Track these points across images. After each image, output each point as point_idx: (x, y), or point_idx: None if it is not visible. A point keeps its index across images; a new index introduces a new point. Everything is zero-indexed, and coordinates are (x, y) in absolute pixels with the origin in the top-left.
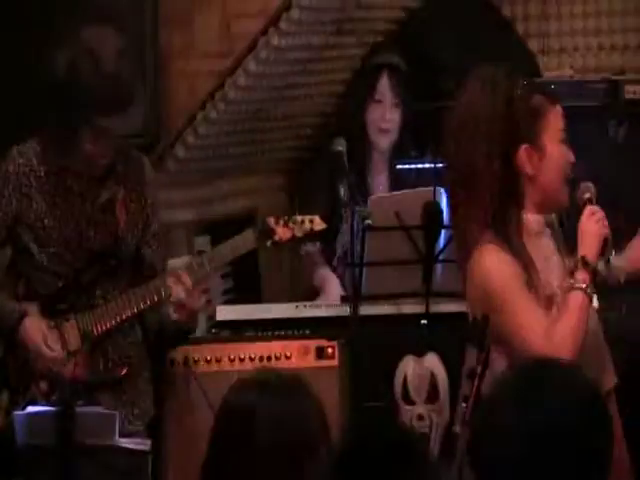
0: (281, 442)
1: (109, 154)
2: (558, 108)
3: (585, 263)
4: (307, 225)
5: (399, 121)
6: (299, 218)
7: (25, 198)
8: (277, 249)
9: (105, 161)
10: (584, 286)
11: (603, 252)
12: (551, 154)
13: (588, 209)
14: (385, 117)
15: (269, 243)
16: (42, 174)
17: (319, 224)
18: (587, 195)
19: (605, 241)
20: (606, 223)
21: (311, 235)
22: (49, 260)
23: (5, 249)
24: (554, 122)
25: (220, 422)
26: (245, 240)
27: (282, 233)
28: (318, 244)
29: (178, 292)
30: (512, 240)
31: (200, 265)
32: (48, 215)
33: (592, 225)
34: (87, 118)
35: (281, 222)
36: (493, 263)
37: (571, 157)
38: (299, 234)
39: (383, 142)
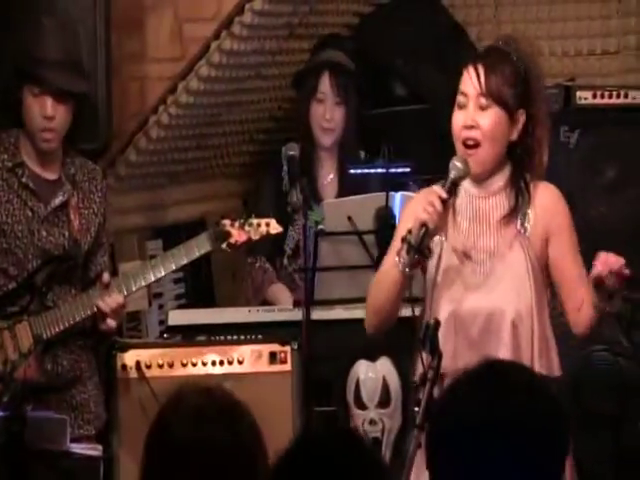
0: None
1: (55, 130)
2: (469, 69)
3: (403, 240)
4: (263, 228)
5: (342, 120)
6: (255, 221)
7: None
8: (232, 252)
9: (50, 137)
10: (399, 263)
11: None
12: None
13: (422, 192)
14: (326, 116)
15: (225, 245)
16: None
17: (275, 228)
18: (453, 174)
19: (423, 224)
20: (430, 209)
21: (267, 238)
22: (3, 257)
23: None
24: (461, 83)
25: (154, 432)
26: (200, 242)
27: (238, 236)
28: (264, 258)
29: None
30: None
31: (154, 267)
32: (2, 211)
33: (418, 207)
34: (26, 73)
35: (237, 224)
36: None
37: (459, 121)
38: (255, 237)
39: (326, 141)
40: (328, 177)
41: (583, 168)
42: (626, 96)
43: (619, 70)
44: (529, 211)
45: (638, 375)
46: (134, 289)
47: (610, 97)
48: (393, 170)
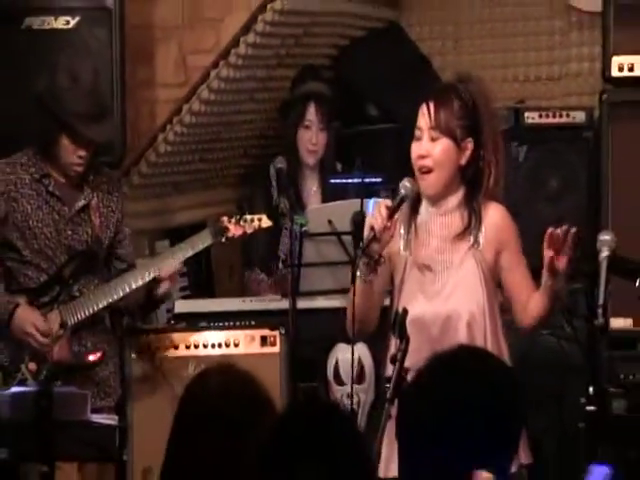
0: (232, 416)
1: (84, 164)
2: (423, 107)
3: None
4: (256, 223)
5: (324, 142)
6: (249, 217)
7: (12, 201)
8: (230, 244)
9: (80, 169)
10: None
11: (370, 239)
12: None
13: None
14: (312, 140)
15: (223, 239)
16: (27, 181)
17: (266, 222)
18: (402, 192)
19: (372, 229)
20: (377, 216)
21: (259, 231)
22: (33, 255)
23: None
24: (418, 119)
25: (183, 401)
26: (202, 237)
27: (234, 230)
28: (258, 270)
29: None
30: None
31: (164, 259)
32: (32, 216)
33: (369, 217)
34: (65, 126)
35: (233, 220)
36: None
37: (415, 152)
38: (249, 230)
39: (311, 160)
40: (312, 189)
41: (530, 178)
42: (567, 116)
43: (561, 94)
44: (481, 228)
45: (578, 356)
46: (148, 279)
47: (554, 117)
48: (367, 180)
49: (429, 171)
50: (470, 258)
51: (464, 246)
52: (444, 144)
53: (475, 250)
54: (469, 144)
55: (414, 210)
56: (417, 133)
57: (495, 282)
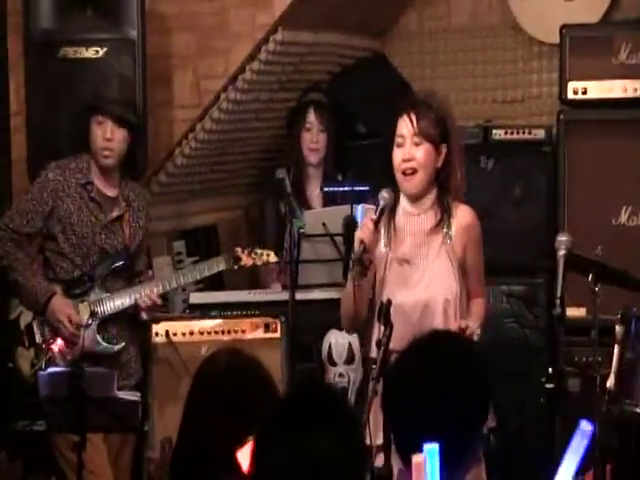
0: (238, 392)
1: (112, 150)
2: (403, 117)
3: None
4: (265, 257)
5: (325, 142)
6: (259, 251)
7: (59, 199)
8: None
9: (109, 159)
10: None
11: (362, 251)
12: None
13: (364, 208)
14: (313, 140)
15: (236, 267)
16: (73, 184)
17: (273, 258)
18: (381, 203)
19: (361, 241)
20: (366, 230)
21: (266, 264)
22: (70, 248)
23: (38, 238)
24: (397, 129)
25: (196, 381)
26: (218, 262)
27: (246, 260)
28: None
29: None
30: (391, 211)
31: (184, 275)
32: (74, 216)
33: (358, 232)
34: (93, 108)
35: (246, 252)
36: None
37: (399, 157)
38: (258, 262)
39: (313, 159)
40: (316, 191)
41: (497, 187)
42: (529, 133)
43: (524, 114)
44: (452, 225)
45: (539, 341)
46: (169, 289)
47: (518, 134)
48: (356, 188)
49: (414, 172)
50: (443, 252)
51: (437, 241)
52: (426, 148)
53: (447, 245)
54: (444, 149)
55: (392, 213)
56: (399, 140)
57: (464, 272)
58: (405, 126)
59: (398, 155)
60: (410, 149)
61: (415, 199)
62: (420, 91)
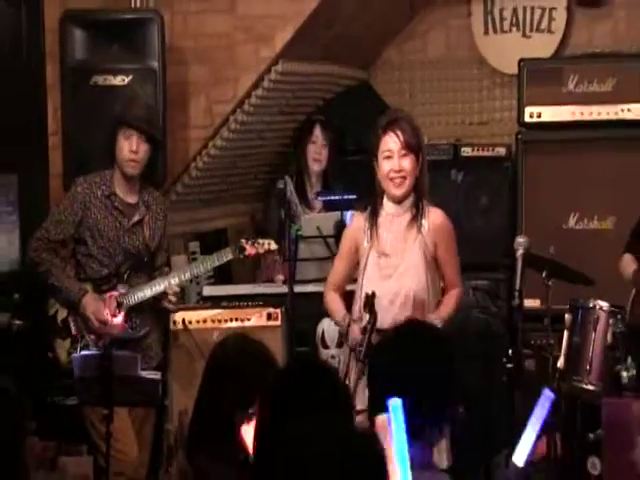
0: (245, 370)
1: (137, 162)
2: (389, 134)
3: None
4: (266, 246)
5: (327, 155)
6: (261, 241)
7: (87, 209)
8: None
9: (134, 169)
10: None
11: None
12: (379, 165)
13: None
14: (317, 151)
15: (242, 256)
16: (98, 196)
17: (274, 245)
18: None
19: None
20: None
21: (269, 252)
22: (98, 251)
23: (70, 244)
24: (383, 145)
25: (210, 362)
26: (226, 253)
27: (250, 250)
28: (279, 257)
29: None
30: (374, 214)
31: (197, 266)
32: (101, 222)
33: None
34: (120, 122)
35: (250, 242)
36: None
37: (387, 168)
38: (261, 251)
39: (316, 167)
40: (312, 200)
41: (465, 197)
42: (493, 150)
43: (488, 134)
44: (425, 225)
45: (501, 327)
46: (184, 279)
47: (483, 151)
48: (345, 197)
49: (403, 180)
50: (416, 248)
51: (412, 238)
52: (411, 158)
53: (420, 242)
54: (420, 158)
55: (375, 215)
56: (387, 154)
57: (436, 265)
58: (392, 141)
59: (387, 166)
60: (399, 161)
61: (398, 202)
62: (391, 110)
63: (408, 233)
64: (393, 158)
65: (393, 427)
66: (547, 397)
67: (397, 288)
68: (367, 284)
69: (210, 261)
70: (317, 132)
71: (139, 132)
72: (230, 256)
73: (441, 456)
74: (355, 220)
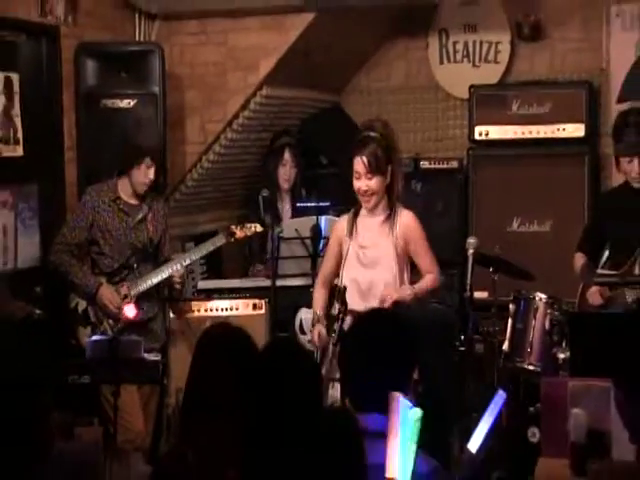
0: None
1: (149, 184)
2: (357, 158)
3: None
4: (253, 228)
5: (295, 175)
6: (248, 225)
7: (97, 214)
8: (235, 245)
9: (146, 187)
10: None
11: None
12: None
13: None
14: (287, 173)
15: (232, 239)
16: (106, 201)
17: (259, 228)
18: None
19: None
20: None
21: (256, 234)
22: (109, 249)
23: (84, 245)
24: (354, 164)
25: (198, 346)
26: (219, 238)
27: (240, 233)
28: (258, 264)
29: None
30: (355, 214)
31: (194, 252)
32: (109, 223)
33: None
34: (148, 152)
35: (238, 227)
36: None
37: (357, 186)
38: (249, 233)
39: (285, 186)
40: (286, 208)
41: (424, 204)
42: (447, 163)
43: (443, 149)
44: (396, 224)
45: (454, 316)
46: (185, 264)
47: (439, 164)
48: (320, 204)
49: (370, 196)
50: (389, 243)
51: (385, 234)
52: (377, 179)
53: (392, 237)
54: (389, 169)
55: (356, 214)
56: (356, 175)
57: (407, 259)
58: (359, 166)
59: (356, 185)
60: (365, 182)
61: (372, 210)
62: (365, 125)
63: (382, 230)
64: (361, 179)
65: (400, 421)
66: (500, 396)
67: (370, 276)
68: (347, 272)
69: (205, 248)
70: (287, 156)
71: (157, 164)
72: (223, 240)
73: None
74: (339, 222)
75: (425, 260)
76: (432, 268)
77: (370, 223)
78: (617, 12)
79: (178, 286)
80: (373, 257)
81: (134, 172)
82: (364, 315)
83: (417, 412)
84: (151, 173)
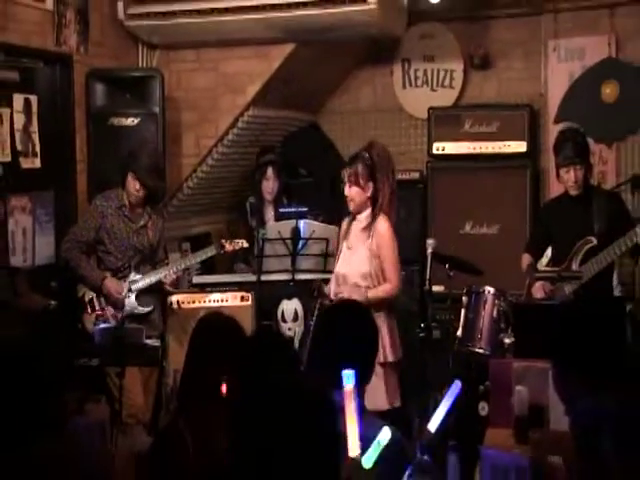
0: (221, 338)
1: (139, 197)
2: (344, 170)
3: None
4: (240, 244)
5: (277, 188)
6: (237, 240)
7: (104, 218)
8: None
9: (136, 199)
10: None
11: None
12: None
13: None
14: (269, 186)
15: (222, 252)
16: (113, 207)
17: (245, 244)
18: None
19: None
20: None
21: (242, 249)
22: (113, 248)
23: (92, 243)
24: (342, 175)
25: (194, 333)
26: (211, 249)
27: (228, 247)
28: (241, 263)
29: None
30: (352, 219)
31: (188, 259)
32: (115, 227)
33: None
34: (131, 170)
35: (228, 242)
36: None
37: (345, 193)
38: (237, 247)
39: (269, 198)
40: (270, 214)
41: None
42: (409, 174)
43: (406, 162)
44: (373, 231)
45: (415, 306)
46: (180, 268)
47: (402, 175)
48: (299, 210)
49: (351, 202)
50: (366, 245)
51: (364, 238)
52: (355, 190)
53: (368, 241)
54: (370, 185)
55: (351, 219)
56: (344, 182)
57: (379, 261)
58: (345, 175)
59: (345, 191)
60: (347, 190)
61: (357, 213)
62: (372, 142)
63: (363, 234)
64: (346, 186)
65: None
66: (456, 386)
67: (349, 271)
68: (338, 267)
69: (198, 256)
70: (269, 173)
71: (141, 181)
72: (214, 251)
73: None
74: (342, 225)
75: (388, 268)
76: (391, 277)
77: (356, 228)
78: (554, 46)
79: (169, 288)
80: (352, 257)
81: (126, 184)
82: (334, 306)
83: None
84: (137, 185)
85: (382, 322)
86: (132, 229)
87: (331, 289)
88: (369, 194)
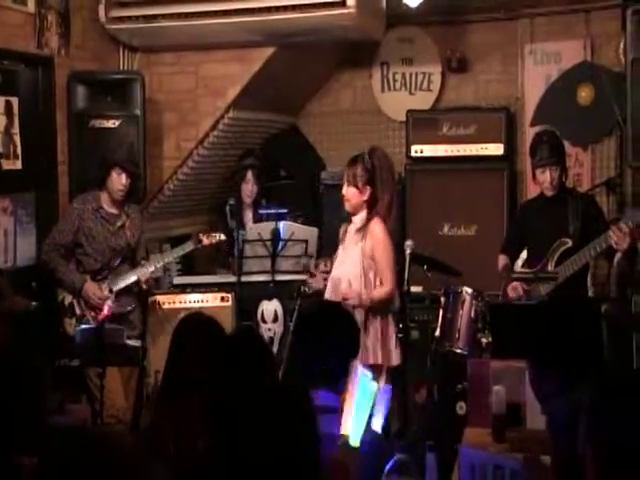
0: (201, 338)
1: (125, 191)
2: (344, 170)
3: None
4: (218, 237)
5: (257, 191)
6: (213, 234)
7: (82, 220)
8: (203, 249)
9: (122, 194)
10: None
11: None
12: None
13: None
14: (249, 189)
15: (200, 246)
16: (90, 210)
17: (223, 237)
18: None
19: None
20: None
21: (220, 242)
22: (92, 250)
23: (71, 246)
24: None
25: (175, 333)
26: (189, 244)
27: (206, 241)
28: (224, 270)
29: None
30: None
31: (167, 255)
32: (93, 230)
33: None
34: (115, 163)
35: (205, 235)
36: None
37: (343, 193)
38: (214, 241)
39: (248, 200)
40: (249, 215)
41: None
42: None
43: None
44: (367, 233)
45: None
46: (158, 266)
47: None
48: (279, 211)
49: (347, 202)
50: (359, 248)
51: (357, 241)
52: (351, 190)
53: (362, 244)
54: (367, 189)
55: (350, 221)
56: (344, 182)
57: (371, 263)
58: (344, 175)
59: (343, 191)
60: (345, 189)
61: (353, 215)
62: (374, 147)
63: (357, 236)
64: (344, 186)
65: (358, 388)
66: (387, 389)
67: (343, 272)
68: (333, 270)
69: (176, 252)
70: (249, 176)
71: (127, 172)
72: (192, 246)
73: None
74: (340, 230)
75: (381, 269)
76: (385, 281)
77: (351, 230)
78: (530, 50)
79: (144, 286)
80: (346, 259)
81: (108, 182)
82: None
83: (375, 385)
84: (123, 179)
85: (388, 325)
86: (110, 231)
87: (328, 288)
88: (365, 198)
